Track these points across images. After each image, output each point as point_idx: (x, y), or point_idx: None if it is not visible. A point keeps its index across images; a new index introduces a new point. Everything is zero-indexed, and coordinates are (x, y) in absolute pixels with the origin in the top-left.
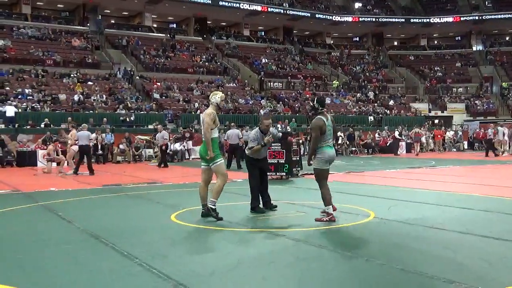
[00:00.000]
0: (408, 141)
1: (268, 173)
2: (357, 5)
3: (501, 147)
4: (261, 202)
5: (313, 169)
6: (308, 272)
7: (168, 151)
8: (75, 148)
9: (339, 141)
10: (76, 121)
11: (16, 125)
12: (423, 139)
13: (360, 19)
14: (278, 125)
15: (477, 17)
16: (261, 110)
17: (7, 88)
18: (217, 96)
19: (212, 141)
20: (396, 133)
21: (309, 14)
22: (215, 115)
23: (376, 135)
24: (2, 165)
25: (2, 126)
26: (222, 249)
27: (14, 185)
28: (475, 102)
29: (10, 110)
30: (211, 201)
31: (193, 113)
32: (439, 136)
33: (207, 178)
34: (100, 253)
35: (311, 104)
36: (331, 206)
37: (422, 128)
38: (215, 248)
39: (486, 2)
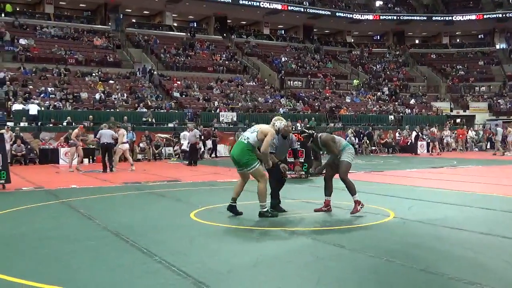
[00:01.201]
0: (428, 140)
1: (287, 172)
2: (378, 3)
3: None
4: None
5: (343, 162)
6: (326, 272)
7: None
8: (123, 146)
9: (357, 140)
10: (98, 119)
11: (39, 123)
12: (449, 139)
13: (381, 17)
14: (298, 124)
15: (500, 15)
16: (278, 117)
17: (31, 86)
18: (282, 123)
19: (252, 147)
20: (413, 134)
21: (329, 13)
22: (275, 136)
23: (397, 134)
24: (25, 163)
25: (26, 124)
26: (241, 247)
27: (37, 183)
28: (498, 101)
29: (33, 109)
30: (260, 206)
31: (212, 111)
32: (461, 135)
33: (245, 180)
34: (121, 250)
35: (306, 134)
36: (357, 194)
37: (444, 128)
38: (234, 246)
39: (510, 0)
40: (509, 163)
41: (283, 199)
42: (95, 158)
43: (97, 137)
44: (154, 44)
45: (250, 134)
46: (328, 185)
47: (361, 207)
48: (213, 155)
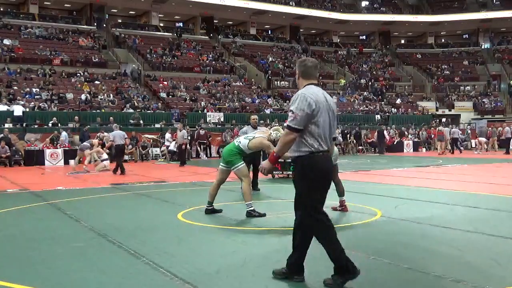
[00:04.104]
0: (415, 139)
1: (274, 172)
2: (364, 3)
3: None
4: None
5: None
6: (315, 271)
7: (174, 149)
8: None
9: (347, 140)
10: (83, 120)
11: (24, 124)
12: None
13: (367, 17)
14: (285, 124)
15: (484, 15)
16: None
17: (15, 87)
18: (278, 134)
19: (240, 151)
20: (386, 133)
21: (315, 13)
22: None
23: (386, 133)
24: (10, 165)
25: (10, 125)
26: (229, 247)
27: (22, 184)
28: (483, 100)
29: (18, 109)
30: (246, 205)
31: (199, 112)
32: (435, 135)
33: (222, 179)
34: (108, 251)
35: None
36: None
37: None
38: (222, 247)
39: (494, 0)
40: (494, 162)
41: (271, 198)
42: (81, 159)
43: (111, 139)
44: (133, 44)
45: (243, 140)
46: (337, 186)
47: None
48: (203, 156)
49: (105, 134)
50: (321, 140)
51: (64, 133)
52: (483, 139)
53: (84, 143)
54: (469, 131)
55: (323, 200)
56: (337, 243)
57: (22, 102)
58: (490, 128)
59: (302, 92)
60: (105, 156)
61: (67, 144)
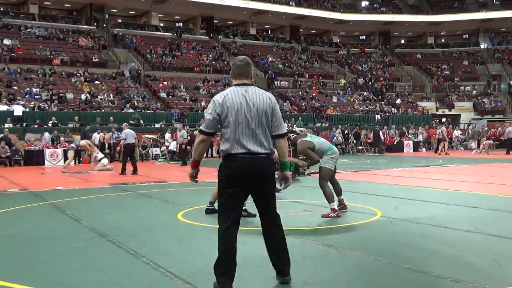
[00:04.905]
0: (415, 139)
1: (274, 172)
2: (364, 3)
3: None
4: None
5: (321, 169)
6: (314, 271)
7: (174, 149)
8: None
9: (348, 140)
10: (83, 120)
11: (24, 124)
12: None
13: (367, 17)
14: (285, 124)
15: (484, 15)
16: None
17: (15, 87)
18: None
19: None
20: (381, 133)
21: (315, 13)
22: None
23: (381, 133)
24: (10, 164)
25: (10, 125)
26: None
27: (22, 184)
28: (483, 100)
29: (18, 109)
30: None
31: (199, 112)
32: (433, 135)
33: None
34: (108, 251)
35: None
36: (335, 202)
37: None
38: None
39: (494, 0)
40: (494, 162)
41: None
42: (81, 159)
43: (122, 137)
44: (131, 43)
45: None
46: (335, 186)
47: (334, 216)
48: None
49: (107, 133)
50: (234, 142)
51: (46, 134)
52: (488, 141)
53: (71, 144)
54: (470, 131)
55: (228, 207)
56: (228, 258)
57: (22, 102)
58: (481, 129)
59: (216, 95)
60: (100, 155)
61: (43, 145)
